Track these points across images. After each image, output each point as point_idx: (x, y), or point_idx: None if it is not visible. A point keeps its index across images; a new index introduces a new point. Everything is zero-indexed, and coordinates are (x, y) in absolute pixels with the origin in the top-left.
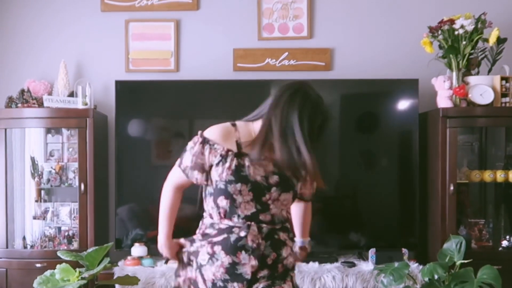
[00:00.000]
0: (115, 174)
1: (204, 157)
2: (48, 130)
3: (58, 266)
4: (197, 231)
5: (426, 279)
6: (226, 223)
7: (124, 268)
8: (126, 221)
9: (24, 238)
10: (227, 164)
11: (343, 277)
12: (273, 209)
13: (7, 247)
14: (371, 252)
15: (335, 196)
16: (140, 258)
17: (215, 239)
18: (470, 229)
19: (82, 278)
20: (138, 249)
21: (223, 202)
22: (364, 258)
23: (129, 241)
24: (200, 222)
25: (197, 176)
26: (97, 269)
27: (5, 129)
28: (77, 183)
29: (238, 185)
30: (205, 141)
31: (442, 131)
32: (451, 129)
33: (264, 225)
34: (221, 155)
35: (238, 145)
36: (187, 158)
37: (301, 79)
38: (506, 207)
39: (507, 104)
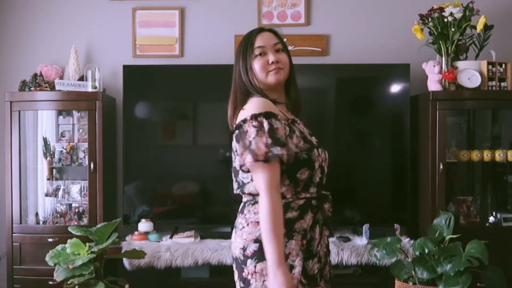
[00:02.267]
0: (123, 153)
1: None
2: (59, 112)
3: (69, 240)
4: None
5: (417, 253)
6: (303, 196)
7: (132, 242)
8: (133, 198)
9: (37, 214)
10: None
11: (338, 251)
12: (326, 170)
13: (21, 223)
14: (365, 227)
15: (331, 174)
16: (147, 233)
17: None
18: (459, 206)
19: (92, 252)
20: (144, 225)
21: (304, 174)
22: (359, 233)
23: (136, 217)
24: None
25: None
26: (106, 243)
27: (19, 111)
28: (87, 162)
29: (315, 151)
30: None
31: (432, 113)
32: (440, 111)
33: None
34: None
35: None
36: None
37: None
38: (492, 185)
39: (494, 88)
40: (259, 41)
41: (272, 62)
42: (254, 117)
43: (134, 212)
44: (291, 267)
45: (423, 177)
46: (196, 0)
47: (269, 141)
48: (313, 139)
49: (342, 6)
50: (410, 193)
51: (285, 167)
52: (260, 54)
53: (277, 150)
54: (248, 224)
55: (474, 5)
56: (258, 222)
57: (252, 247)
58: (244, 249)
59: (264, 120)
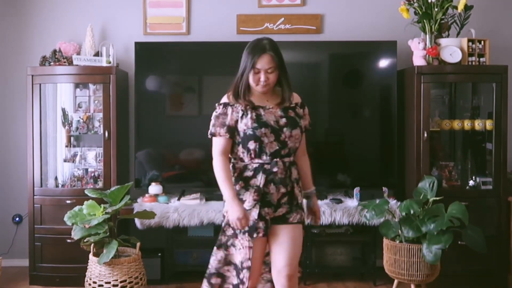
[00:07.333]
0: (135, 123)
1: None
2: (76, 85)
3: (85, 202)
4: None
5: (403, 213)
6: (257, 161)
7: (143, 204)
8: (144, 163)
9: (56, 178)
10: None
11: (331, 212)
12: (290, 144)
13: (41, 186)
14: (356, 190)
15: (325, 142)
16: (156, 195)
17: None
18: (441, 171)
19: (106, 213)
20: (154, 188)
21: (252, 145)
22: (350, 195)
23: (147, 180)
24: (231, 167)
25: (221, 131)
26: (119, 205)
27: (40, 84)
28: (101, 131)
29: (263, 129)
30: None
31: (417, 86)
32: (424, 84)
33: (286, 159)
34: (242, 110)
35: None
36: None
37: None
38: (472, 151)
39: (473, 63)
40: (258, 64)
41: (262, 81)
42: None
43: (145, 176)
44: None
45: (409, 145)
46: None
47: None
48: (272, 122)
49: None
50: (397, 159)
51: (238, 138)
52: (256, 72)
53: None
54: None
55: None
56: None
57: None
58: None
59: None
